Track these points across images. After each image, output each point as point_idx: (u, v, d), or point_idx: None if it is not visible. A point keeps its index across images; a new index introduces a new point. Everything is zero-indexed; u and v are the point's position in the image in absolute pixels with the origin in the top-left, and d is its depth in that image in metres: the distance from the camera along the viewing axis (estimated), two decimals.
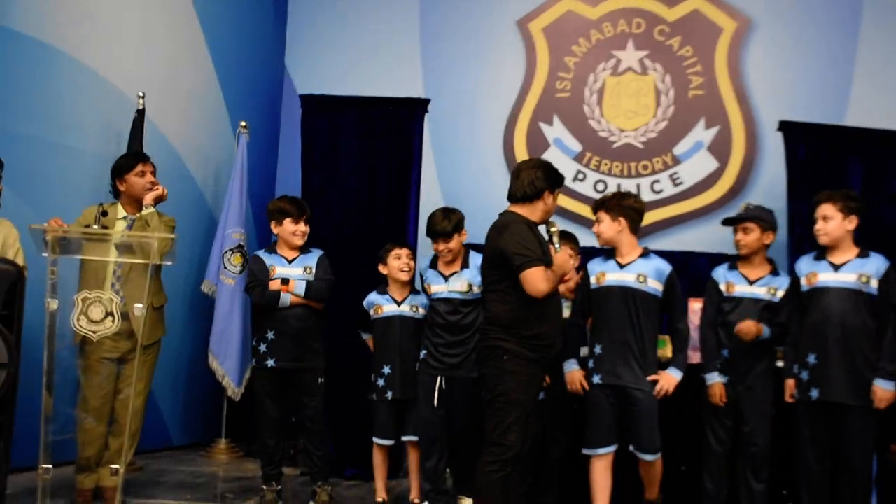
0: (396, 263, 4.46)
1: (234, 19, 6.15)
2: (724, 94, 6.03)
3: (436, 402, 4.25)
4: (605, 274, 4.05)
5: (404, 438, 4.46)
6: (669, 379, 3.95)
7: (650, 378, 3.91)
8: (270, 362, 4.38)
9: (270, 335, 4.39)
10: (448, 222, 4.26)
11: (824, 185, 4.61)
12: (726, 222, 4.42)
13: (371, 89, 5.69)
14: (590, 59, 6.20)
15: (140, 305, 3.74)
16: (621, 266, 4.03)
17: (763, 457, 4.14)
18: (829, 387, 3.92)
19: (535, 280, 3.48)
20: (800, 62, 5.96)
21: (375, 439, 4.45)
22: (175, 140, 5.59)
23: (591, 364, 4.04)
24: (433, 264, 4.49)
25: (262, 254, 4.54)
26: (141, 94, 5.08)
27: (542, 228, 3.72)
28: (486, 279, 3.69)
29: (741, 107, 6.01)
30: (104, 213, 3.94)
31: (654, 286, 3.98)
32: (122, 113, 5.10)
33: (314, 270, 4.48)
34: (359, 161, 5.21)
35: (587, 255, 5.62)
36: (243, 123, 5.71)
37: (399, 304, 4.46)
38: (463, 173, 6.15)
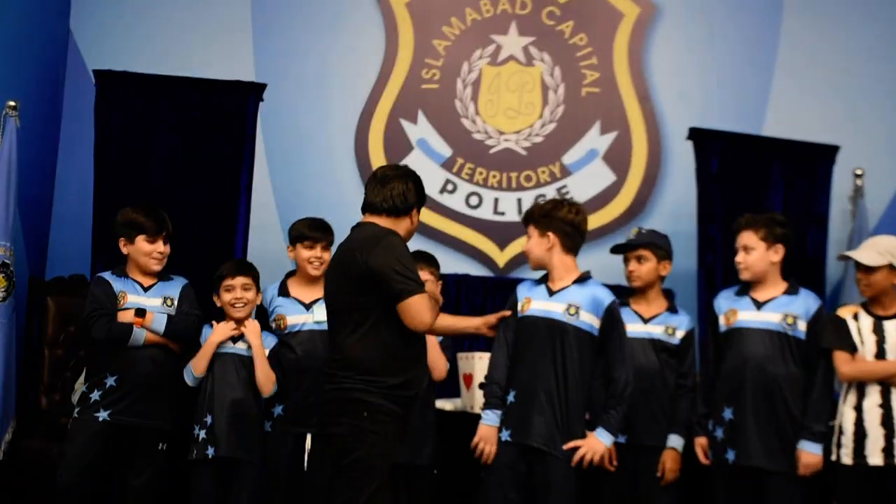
0: (227, 297, 4.44)
1: None
2: (624, 92, 6.22)
3: (306, 464, 4.22)
4: (531, 301, 4.00)
5: None
6: (594, 445, 3.84)
7: (570, 445, 3.82)
8: (103, 415, 4.27)
9: (110, 381, 4.30)
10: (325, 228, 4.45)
11: (740, 205, 4.88)
12: (615, 250, 4.58)
13: (187, 68, 5.52)
14: (464, 44, 6.25)
15: None
16: (551, 293, 4.00)
17: None
18: (747, 448, 4.09)
19: (422, 310, 3.48)
20: (712, 59, 6.22)
21: None
22: None
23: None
24: (283, 291, 4.45)
25: (108, 276, 4.45)
26: None
27: None
28: (339, 307, 3.64)
29: (643, 109, 6.21)
30: None
31: (589, 321, 3.91)
32: None
33: (176, 302, 4.43)
34: (172, 158, 5.06)
35: (461, 283, 5.73)
36: (12, 103, 5.41)
37: (235, 340, 4.42)
38: (303, 178, 6.06)
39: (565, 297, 3.95)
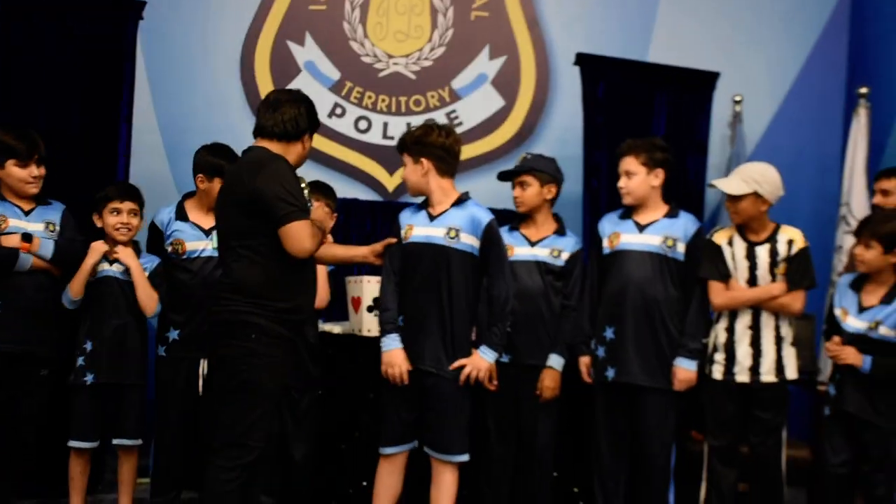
0: (113, 220, 4.39)
1: None
2: (513, 17, 6.28)
3: (201, 389, 4.29)
4: (414, 227, 4.06)
5: (116, 441, 4.40)
6: (477, 362, 3.97)
7: (455, 364, 3.94)
8: None
9: None
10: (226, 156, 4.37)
11: (625, 131, 4.99)
12: (501, 177, 4.67)
13: None
14: None
15: None
16: (432, 218, 4.07)
17: (547, 451, 4.45)
18: (626, 366, 4.27)
19: (302, 236, 3.51)
20: None
21: (73, 442, 4.34)
22: None
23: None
24: (180, 215, 4.47)
25: None
26: None
27: None
28: (228, 231, 3.67)
29: (532, 34, 6.29)
30: None
31: (469, 241, 4.00)
32: None
33: (58, 228, 4.38)
34: (48, 78, 4.94)
35: (349, 208, 5.78)
36: None
37: (111, 262, 4.40)
38: (187, 101, 5.97)
39: (445, 220, 4.03)
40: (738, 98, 6.06)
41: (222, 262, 3.72)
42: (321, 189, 4.54)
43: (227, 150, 4.48)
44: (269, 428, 3.61)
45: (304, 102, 3.80)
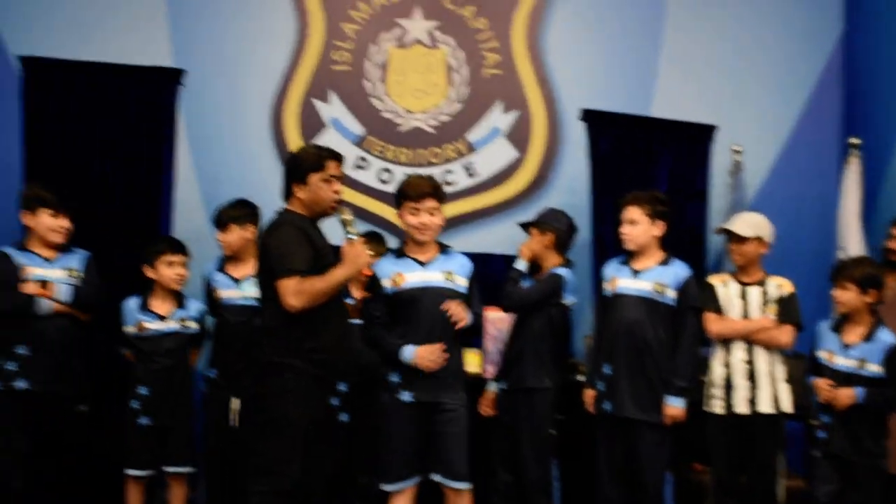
0: (168, 272, 4.90)
1: None
2: (524, 75, 6.78)
3: (236, 422, 4.76)
4: (404, 275, 4.39)
5: (168, 469, 4.88)
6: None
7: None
8: (22, 384, 4.61)
9: (22, 350, 4.62)
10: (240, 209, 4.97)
11: (628, 181, 5.46)
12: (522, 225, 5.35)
13: (107, 54, 5.88)
14: (371, 27, 6.71)
15: None
16: (422, 264, 4.44)
17: (542, 485, 4.95)
18: (621, 400, 4.72)
19: (286, 293, 3.96)
20: (604, 43, 6.80)
21: (129, 470, 4.80)
22: None
23: (396, 378, 4.35)
24: (221, 266, 5.00)
25: (9, 250, 4.75)
26: None
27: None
28: (260, 283, 4.18)
29: (542, 91, 6.77)
30: None
31: (461, 283, 4.46)
32: None
33: (81, 273, 4.81)
34: (98, 141, 5.45)
35: None
36: None
37: (164, 319, 4.90)
38: (223, 158, 6.45)
39: (437, 266, 4.44)
40: (737, 148, 6.45)
41: (260, 309, 4.22)
42: (373, 237, 5.17)
43: (238, 203, 5.06)
44: (302, 458, 4.01)
45: (300, 150, 4.39)
